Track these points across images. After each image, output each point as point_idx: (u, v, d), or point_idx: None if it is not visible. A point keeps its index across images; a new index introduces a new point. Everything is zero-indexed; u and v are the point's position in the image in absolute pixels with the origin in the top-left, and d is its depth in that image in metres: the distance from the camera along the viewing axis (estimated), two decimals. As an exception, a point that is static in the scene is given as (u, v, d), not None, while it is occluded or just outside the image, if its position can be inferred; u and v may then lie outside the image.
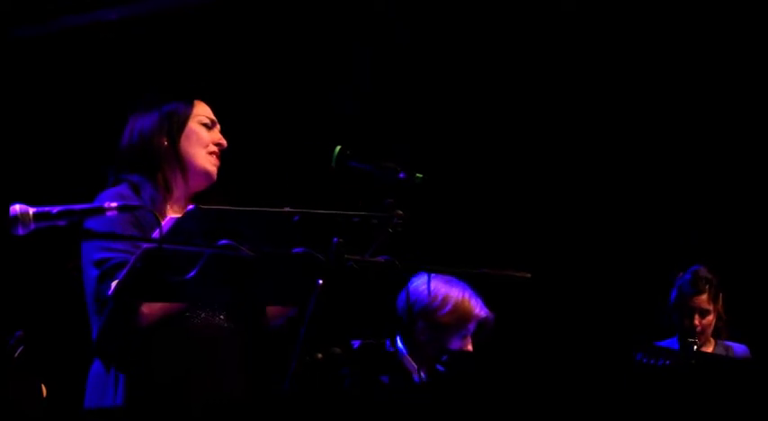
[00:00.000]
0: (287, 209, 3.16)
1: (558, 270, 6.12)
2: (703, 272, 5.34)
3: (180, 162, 3.55)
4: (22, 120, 6.32)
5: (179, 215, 3.18)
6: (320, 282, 3.10)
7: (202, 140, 3.59)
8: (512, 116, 6.42)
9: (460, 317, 4.40)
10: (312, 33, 6.32)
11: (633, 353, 4.17)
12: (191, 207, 3.07)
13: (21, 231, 2.89)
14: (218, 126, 3.66)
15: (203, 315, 3.40)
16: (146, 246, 3.06)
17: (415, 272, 4.20)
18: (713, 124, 6.27)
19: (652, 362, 3.83)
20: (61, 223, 2.94)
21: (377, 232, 3.28)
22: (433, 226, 5.84)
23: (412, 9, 6.33)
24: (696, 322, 5.25)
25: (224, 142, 3.63)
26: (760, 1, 6.13)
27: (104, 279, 3.26)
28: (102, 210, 2.97)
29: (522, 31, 6.33)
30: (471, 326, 4.45)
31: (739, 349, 5.34)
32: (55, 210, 2.92)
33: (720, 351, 5.27)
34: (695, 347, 5.16)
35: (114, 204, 2.99)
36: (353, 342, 4.03)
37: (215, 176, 3.60)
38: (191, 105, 3.63)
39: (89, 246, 3.33)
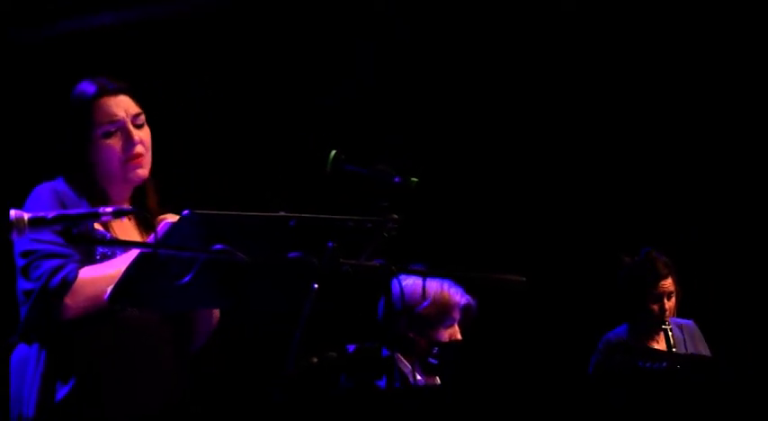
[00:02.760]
0: (282, 213, 3.15)
1: (554, 273, 6.13)
2: (659, 254, 5.31)
3: (99, 175, 3.38)
4: (22, 123, 6.32)
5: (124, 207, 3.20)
6: (315, 286, 3.10)
7: (111, 155, 3.36)
8: (510, 116, 6.43)
9: (442, 307, 4.41)
10: (312, 34, 6.32)
11: (633, 358, 4.18)
12: (186, 212, 3.08)
13: (15, 237, 2.90)
14: (130, 118, 3.38)
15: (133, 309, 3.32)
16: (141, 250, 3.07)
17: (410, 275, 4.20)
18: (713, 125, 6.28)
19: (648, 365, 3.84)
20: (57, 228, 2.95)
21: (372, 236, 3.29)
22: (428, 230, 5.84)
23: (412, 6, 6.33)
24: (665, 306, 5.24)
25: (134, 139, 3.36)
26: (760, 1, 6.14)
27: (27, 270, 3.23)
28: (96, 216, 2.97)
29: (521, 29, 6.33)
30: (456, 315, 4.47)
31: (690, 325, 5.34)
32: (50, 215, 2.92)
33: (675, 330, 5.24)
34: (670, 332, 5.16)
35: (109, 209, 2.99)
36: (349, 346, 4.03)
37: (140, 179, 3.41)
38: (89, 117, 3.37)
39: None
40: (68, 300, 3.19)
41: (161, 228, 3.06)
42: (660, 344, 5.21)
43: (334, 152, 3.43)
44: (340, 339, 4.06)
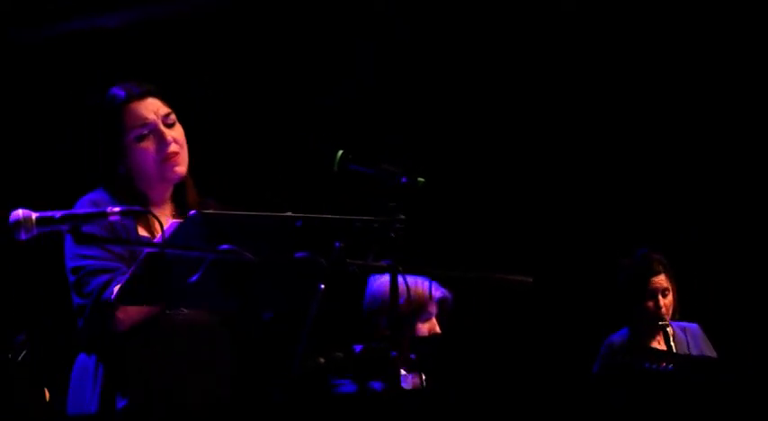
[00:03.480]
0: (289, 213, 3.15)
1: (560, 274, 6.13)
2: (653, 253, 5.33)
3: (138, 180, 3.41)
4: (23, 125, 6.32)
5: (159, 213, 3.22)
6: (322, 286, 3.10)
7: (146, 157, 3.39)
8: (512, 116, 6.42)
9: (416, 302, 4.38)
10: (313, 35, 6.32)
11: (638, 360, 4.17)
12: (192, 212, 3.07)
13: (23, 236, 2.90)
14: (160, 118, 3.41)
15: (186, 312, 3.35)
16: (147, 250, 3.07)
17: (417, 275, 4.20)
18: (714, 125, 6.27)
19: (654, 367, 3.83)
20: (64, 228, 2.95)
21: (378, 236, 3.29)
22: (434, 230, 5.84)
23: (412, 5, 6.33)
24: (660, 303, 5.24)
25: (167, 139, 3.39)
26: (759, 1, 6.14)
27: (78, 287, 3.28)
28: (104, 215, 2.97)
29: (521, 29, 6.33)
30: (432, 309, 4.47)
31: (694, 329, 5.34)
32: (57, 214, 2.92)
33: (679, 333, 5.25)
34: (669, 329, 5.16)
35: (117, 209, 2.99)
36: (355, 346, 4.03)
37: (179, 176, 3.43)
38: (120, 123, 3.40)
39: (68, 252, 3.33)
40: (120, 315, 3.22)
41: (168, 227, 3.06)
42: (661, 345, 5.21)
43: (341, 152, 3.43)
44: (346, 339, 4.06)
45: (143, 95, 3.43)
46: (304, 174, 5.79)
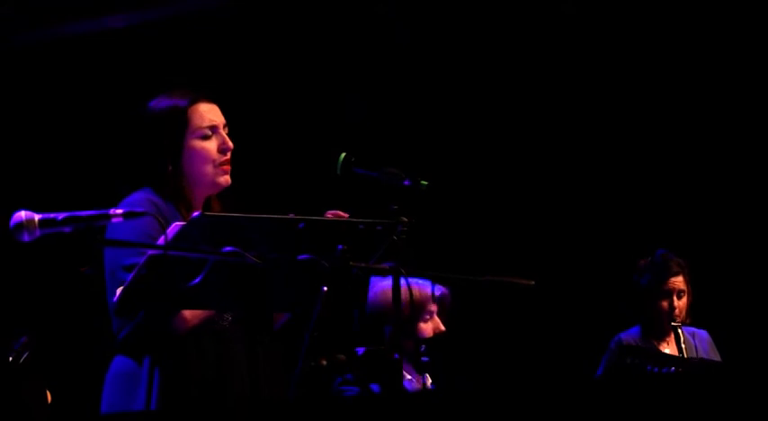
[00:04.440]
0: (291, 215, 3.15)
1: (563, 276, 6.13)
2: (672, 255, 5.34)
3: (188, 180, 3.46)
4: (28, 126, 6.33)
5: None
6: (325, 288, 3.10)
7: (206, 157, 3.46)
8: (518, 117, 6.42)
9: (416, 303, 4.36)
10: (314, 36, 6.32)
11: (642, 362, 4.18)
12: (195, 214, 3.08)
13: (26, 238, 2.89)
14: (222, 123, 3.51)
15: (230, 318, 3.39)
16: (150, 252, 3.06)
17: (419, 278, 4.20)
18: (729, 128, 6.27)
19: (656, 370, 3.84)
20: (66, 230, 2.94)
21: (381, 239, 3.29)
22: (437, 233, 5.84)
23: (412, 10, 6.33)
24: (675, 304, 5.26)
25: (230, 144, 3.49)
26: (760, 1, 6.14)
27: None
28: (107, 217, 2.97)
29: (523, 34, 6.33)
30: (432, 308, 4.46)
31: (703, 335, 5.34)
32: (60, 216, 2.92)
33: (688, 337, 5.25)
34: (680, 330, 5.16)
35: (119, 211, 2.99)
36: (358, 349, 4.03)
37: (227, 184, 3.50)
38: (185, 118, 3.46)
39: (119, 250, 3.31)
40: (187, 314, 3.25)
41: (171, 229, 3.06)
42: (671, 346, 5.22)
43: (343, 155, 3.43)
44: (348, 342, 4.06)
45: (209, 99, 3.52)
46: (307, 176, 5.79)
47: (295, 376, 3.18)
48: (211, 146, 3.47)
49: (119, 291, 3.14)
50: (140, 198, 3.40)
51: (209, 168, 3.46)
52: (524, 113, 6.42)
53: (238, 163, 3.58)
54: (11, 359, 5.02)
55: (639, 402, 3.42)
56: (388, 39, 6.34)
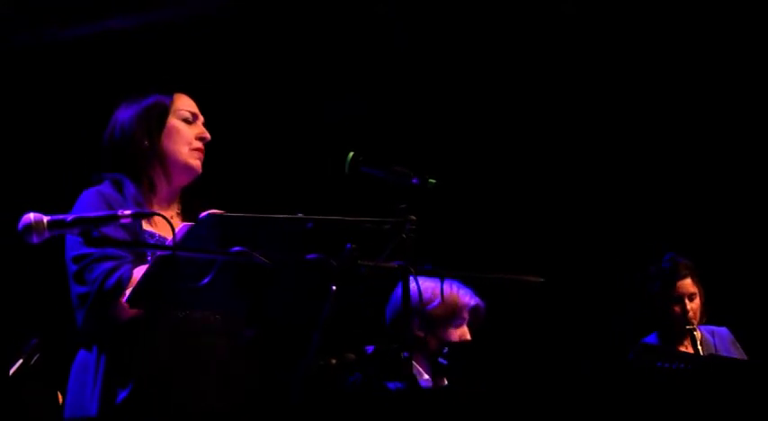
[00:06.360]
0: (300, 215, 3.16)
1: (571, 274, 6.13)
2: (680, 258, 5.34)
3: (162, 160, 3.50)
4: (28, 126, 6.34)
5: (165, 213, 3.24)
6: (333, 287, 3.11)
7: (184, 137, 3.54)
8: (525, 117, 6.42)
9: (452, 307, 4.43)
10: (316, 37, 6.33)
11: (653, 359, 4.17)
12: (204, 214, 3.08)
13: (35, 240, 2.90)
14: (201, 118, 3.60)
15: (199, 314, 3.36)
16: (159, 253, 3.07)
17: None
18: (739, 129, 6.27)
19: (666, 365, 3.83)
20: (75, 231, 2.95)
21: (390, 237, 3.29)
22: (445, 231, 5.84)
23: (412, 12, 6.33)
24: (687, 307, 5.26)
25: (207, 135, 3.58)
26: (756, 1, 6.14)
27: (81, 274, 3.27)
28: (115, 218, 2.98)
29: (523, 34, 6.33)
30: (465, 315, 4.49)
31: (723, 332, 5.35)
32: (69, 218, 2.92)
33: (707, 336, 5.26)
34: (696, 332, 5.17)
35: (128, 212, 3.00)
36: (367, 347, 4.03)
37: (199, 170, 3.56)
38: (170, 100, 3.57)
39: (69, 241, 3.33)
40: (124, 301, 3.20)
41: (179, 230, 3.07)
42: (689, 350, 5.23)
43: (351, 154, 3.43)
44: (358, 340, 4.06)
45: (189, 95, 3.64)
46: (315, 175, 5.80)
47: (298, 376, 3.18)
48: (191, 129, 3.56)
49: (128, 291, 3.15)
50: (92, 192, 3.42)
51: (185, 149, 3.53)
52: (531, 113, 6.43)
53: (245, 163, 3.59)
54: (22, 361, 5.04)
55: (649, 396, 3.42)
56: (388, 39, 6.35)
